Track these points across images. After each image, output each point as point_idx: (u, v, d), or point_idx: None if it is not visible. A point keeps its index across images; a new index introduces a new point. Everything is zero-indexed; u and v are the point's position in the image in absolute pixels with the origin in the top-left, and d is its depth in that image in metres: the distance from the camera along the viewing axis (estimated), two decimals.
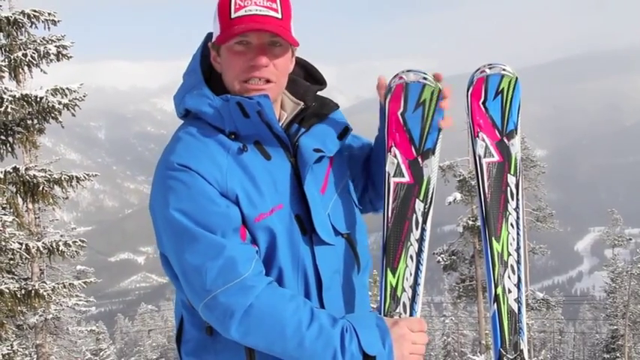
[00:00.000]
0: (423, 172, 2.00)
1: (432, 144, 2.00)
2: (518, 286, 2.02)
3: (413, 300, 1.89)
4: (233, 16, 1.73)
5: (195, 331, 1.85)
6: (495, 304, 1.98)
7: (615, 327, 30.51)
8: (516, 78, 2.08)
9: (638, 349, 31.81)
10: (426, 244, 1.94)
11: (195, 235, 1.67)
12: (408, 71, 1.98)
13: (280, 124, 1.85)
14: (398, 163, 1.98)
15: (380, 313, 1.86)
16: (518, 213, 2.06)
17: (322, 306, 1.82)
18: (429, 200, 1.97)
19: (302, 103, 1.93)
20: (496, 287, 1.98)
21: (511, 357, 1.97)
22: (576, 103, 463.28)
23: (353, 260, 1.95)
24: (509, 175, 2.07)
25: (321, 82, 2.00)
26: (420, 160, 2.00)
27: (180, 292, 1.82)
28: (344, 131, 1.97)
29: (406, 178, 1.97)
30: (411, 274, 1.92)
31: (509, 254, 2.02)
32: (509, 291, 2.00)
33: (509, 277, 2.00)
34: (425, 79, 1.97)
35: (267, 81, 1.78)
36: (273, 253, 1.77)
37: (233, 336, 1.67)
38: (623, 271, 30.15)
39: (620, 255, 31.80)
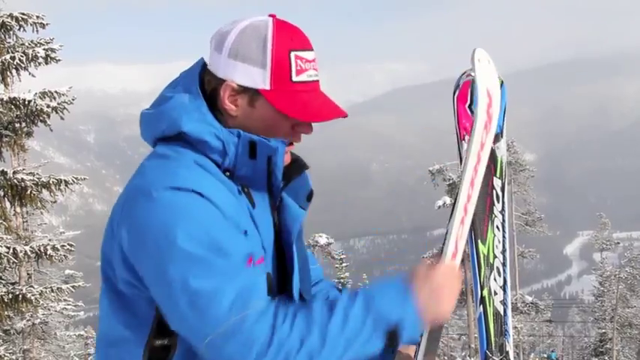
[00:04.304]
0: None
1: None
2: (504, 288, 2.03)
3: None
4: (295, 79, 1.59)
5: None
6: (481, 306, 1.99)
7: (604, 330, 30.68)
8: (502, 82, 2.09)
9: (626, 352, 31.99)
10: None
11: (204, 259, 1.45)
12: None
13: None
14: None
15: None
16: (503, 216, 2.08)
17: None
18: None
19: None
20: (482, 289, 2.00)
21: (497, 359, 1.98)
22: (565, 108, 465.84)
23: None
24: (494, 178, 2.09)
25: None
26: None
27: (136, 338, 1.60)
28: (310, 194, 1.84)
29: None
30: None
31: (494, 257, 2.03)
32: (495, 293, 2.01)
33: (495, 280, 2.02)
34: None
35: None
36: None
37: None
38: (612, 274, 30.33)
39: (608, 259, 32.03)
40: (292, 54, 1.58)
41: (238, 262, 1.48)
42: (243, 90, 1.60)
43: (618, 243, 32.88)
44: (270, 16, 1.64)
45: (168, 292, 1.46)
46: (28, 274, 13.75)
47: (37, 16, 11.89)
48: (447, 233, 1.67)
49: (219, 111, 1.62)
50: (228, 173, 1.61)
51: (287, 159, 1.67)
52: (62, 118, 11.79)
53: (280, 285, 1.71)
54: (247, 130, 1.61)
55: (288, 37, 1.59)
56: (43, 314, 15.05)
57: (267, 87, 1.58)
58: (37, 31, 12.03)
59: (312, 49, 1.63)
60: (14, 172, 11.38)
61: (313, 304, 1.51)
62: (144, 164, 1.62)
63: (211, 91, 1.63)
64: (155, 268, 1.47)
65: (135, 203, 1.51)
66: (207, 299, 1.43)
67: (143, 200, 1.49)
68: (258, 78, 1.58)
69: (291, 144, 1.66)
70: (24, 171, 11.68)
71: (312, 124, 1.66)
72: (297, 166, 1.79)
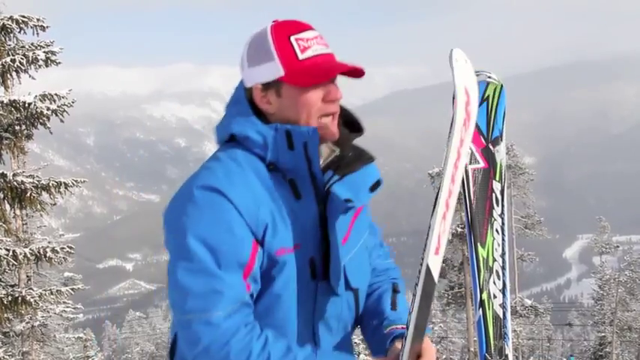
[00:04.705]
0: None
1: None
2: (503, 291, 2.03)
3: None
4: (302, 56, 1.76)
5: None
6: (480, 309, 1.99)
7: (603, 334, 30.65)
8: (501, 85, 2.10)
9: (626, 356, 31.97)
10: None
11: (198, 258, 1.68)
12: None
13: None
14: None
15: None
16: (503, 219, 2.09)
17: (315, 349, 1.87)
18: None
19: (338, 150, 1.92)
20: (481, 293, 2.00)
21: None
22: (565, 111, 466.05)
23: (353, 315, 1.97)
24: (494, 181, 2.10)
25: (358, 129, 1.98)
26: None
27: None
28: (376, 184, 1.97)
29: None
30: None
31: (494, 260, 2.04)
32: (495, 296, 2.01)
33: (494, 283, 2.02)
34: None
35: (334, 115, 1.84)
36: (280, 289, 1.79)
37: None
38: (611, 278, 30.31)
39: (607, 262, 32.00)
40: (292, 38, 1.77)
41: (226, 267, 1.69)
42: (268, 87, 1.80)
43: (618, 246, 32.84)
44: (273, 20, 1.83)
45: (168, 270, 1.75)
46: (27, 276, 13.74)
47: (38, 19, 11.89)
48: (429, 229, 1.70)
49: (263, 116, 1.83)
50: (272, 167, 1.79)
51: (336, 132, 1.83)
52: (62, 121, 11.78)
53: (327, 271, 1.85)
54: (286, 122, 1.79)
55: (285, 27, 1.79)
56: (42, 317, 15.03)
57: (283, 73, 1.77)
58: (37, 33, 12.03)
59: (311, 29, 1.81)
60: (14, 175, 11.38)
61: (268, 341, 1.71)
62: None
63: (251, 101, 1.84)
64: (166, 246, 1.77)
65: (177, 195, 1.80)
66: (182, 291, 1.69)
67: (180, 194, 1.78)
68: (273, 69, 1.78)
69: (332, 117, 1.82)
70: (24, 173, 11.68)
71: (339, 90, 1.82)
72: (360, 158, 1.93)
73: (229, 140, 1.85)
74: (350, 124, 1.97)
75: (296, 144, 1.76)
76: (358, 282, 1.93)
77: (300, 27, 1.79)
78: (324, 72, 1.77)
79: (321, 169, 1.86)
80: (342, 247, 1.85)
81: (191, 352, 1.71)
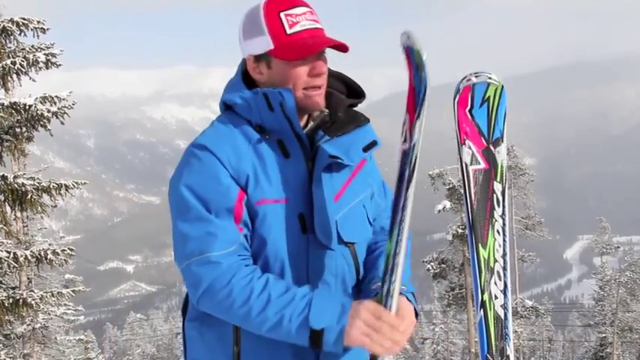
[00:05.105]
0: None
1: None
2: (504, 292, 2.04)
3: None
4: (290, 31, 1.87)
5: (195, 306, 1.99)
6: (482, 310, 1.99)
7: (604, 335, 30.59)
8: (502, 86, 2.10)
9: (627, 356, 31.93)
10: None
11: (191, 206, 1.85)
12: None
13: (306, 130, 2.00)
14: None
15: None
16: (504, 220, 2.09)
17: None
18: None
19: (327, 111, 2.03)
20: (482, 293, 2.00)
21: None
22: (565, 112, 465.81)
23: (352, 269, 2.02)
24: (495, 182, 2.10)
25: (359, 96, 2.10)
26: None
27: None
28: (370, 144, 2.06)
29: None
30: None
31: (495, 261, 2.04)
32: (496, 297, 2.02)
33: (495, 284, 2.02)
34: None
35: (320, 87, 1.95)
36: (265, 240, 1.90)
37: (199, 305, 1.85)
38: (612, 279, 30.25)
39: (608, 263, 31.92)
40: (282, 14, 1.88)
41: (216, 213, 1.84)
42: (259, 59, 1.94)
43: (618, 247, 32.79)
44: None
45: (172, 222, 1.91)
46: (28, 278, 13.73)
47: (38, 21, 11.89)
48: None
49: (255, 85, 1.98)
50: (259, 128, 1.94)
51: (321, 102, 1.95)
52: (62, 123, 11.78)
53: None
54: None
55: (277, 3, 1.89)
56: (43, 319, 15.02)
57: (272, 47, 1.89)
58: (37, 36, 12.03)
59: (301, 5, 1.90)
60: (15, 177, 11.38)
61: (269, 281, 1.79)
62: None
63: (246, 71, 2.00)
64: (169, 202, 1.93)
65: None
66: (181, 239, 1.85)
67: (180, 159, 1.97)
68: (264, 43, 1.90)
69: (318, 89, 1.92)
70: (24, 175, 11.68)
71: (325, 65, 1.92)
72: (354, 121, 2.04)
73: (226, 109, 2.01)
74: (352, 90, 2.09)
75: (274, 105, 1.89)
76: (353, 237, 2.01)
77: (291, 3, 1.89)
78: (309, 47, 1.86)
79: (313, 130, 2.00)
80: (334, 204, 1.95)
81: (195, 296, 1.84)
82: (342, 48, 1.90)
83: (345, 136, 2.01)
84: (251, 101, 1.92)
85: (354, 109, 2.10)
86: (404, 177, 1.72)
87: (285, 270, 1.91)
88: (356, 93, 2.10)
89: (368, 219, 2.09)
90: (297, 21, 1.88)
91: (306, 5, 1.92)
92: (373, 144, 2.07)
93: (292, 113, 1.89)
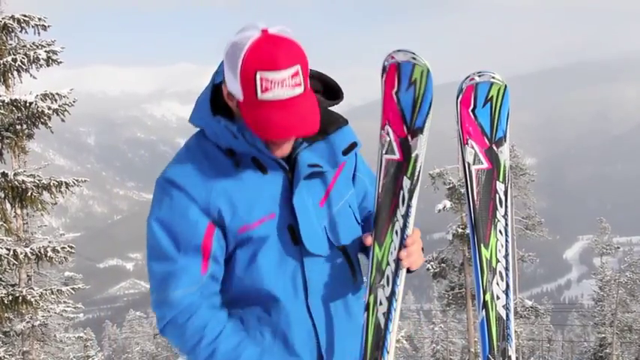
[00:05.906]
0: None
1: (422, 123, 1.96)
2: (506, 292, 2.03)
3: (395, 274, 1.93)
4: (260, 97, 1.71)
5: None
6: (484, 310, 1.98)
7: (603, 335, 30.61)
8: (505, 86, 2.09)
9: (626, 357, 31.93)
10: (411, 220, 1.95)
11: (158, 243, 1.88)
12: (399, 51, 1.96)
13: None
14: (390, 140, 2.00)
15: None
16: (506, 220, 2.08)
17: (309, 311, 1.93)
18: (415, 178, 1.96)
19: None
20: (484, 294, 1.99)
21: None
22: (565, 112, 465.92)
23: (347, 271, 2.01)
24: (497, 182, 2.08)
25: (336, 97, 2.01)
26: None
27: None
28: (350, 146, 2.02)
29: (396, 156, 1.99)
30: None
31: (497, 261, 2.03)
32: (498, 297, 2.01)
33: (497, 284, 2.02)
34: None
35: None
36: (256, 261, 1.88)
37: (163, 336, 2.01)
38: (612, 279, 30.26)
39: (608, 263, 31.92)
40: (258, 74, 1.69)
41: (184, 250, 1.85)
42: (232, 95, 1.81)
43: (618, 248, 32.79)
44: (263, 30, 1.72)
45: None
46: (28, 275, 13.72)
47: (39, 18, 11.90)
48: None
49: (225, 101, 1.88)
50: (230, 152, 1.87)
51: (286, 149, 1.87)
52: (63, 120, 11.79)
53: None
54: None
55: (258, 58, 1.69)
56: (42, 316, 15.01)
57: (242, 99, 1.77)
58: (38, 33, 12.05)
59: (283, 69, 1.68)
60: (15, 174, 11.39)
61: (222, 332, 1.85)
62: None
63: (218, 85, 1.90)
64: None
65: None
66: (150, 274, 1.91)
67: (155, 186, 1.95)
68: (237, 90, 1.76)
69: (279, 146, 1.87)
70: (24, 173, 11.68)
71: (286, 143, 1.85)
72: (332, 124, 1.98)
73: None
74: (329, 89, 2.00)
75: (237, 135, 1.83)
76: (343, 239, 1.99)
77: (274, 64, 1.68)
78: (271, 131, 1.75)
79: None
80: (320, 209, 1.94)
81: (159, 328, 1.92)
82: (309, 133, 1.80)
83: (324, 141, 1.96)
84: (217, 130, 1.86)
85: (332, 109, 2.03)
86: (399, 186, 1.75)
87: (283, 285, 1.90)
88: (334, 92, 2.01)
89: (356, 218, 2.07)
90: (270, 87, 1.69)
91: (291, 65, 1.70)
92: (353, 145, 2.02)
93: (257, 142, 1.83)
